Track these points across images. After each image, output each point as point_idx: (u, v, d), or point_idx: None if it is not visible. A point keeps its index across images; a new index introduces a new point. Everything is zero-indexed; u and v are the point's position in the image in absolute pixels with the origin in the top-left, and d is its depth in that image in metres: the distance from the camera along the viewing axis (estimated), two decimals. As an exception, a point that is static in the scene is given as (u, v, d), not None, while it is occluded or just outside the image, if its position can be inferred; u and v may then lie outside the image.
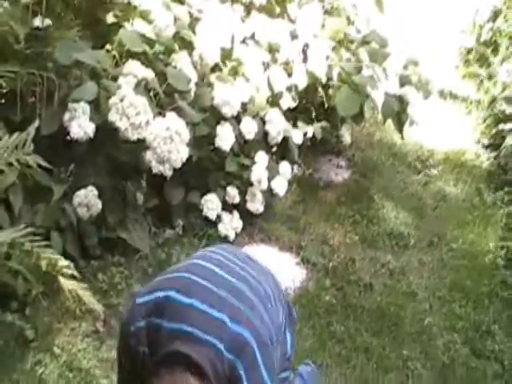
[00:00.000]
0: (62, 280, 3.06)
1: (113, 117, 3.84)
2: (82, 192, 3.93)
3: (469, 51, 8.14)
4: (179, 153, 3.98)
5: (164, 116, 4.01)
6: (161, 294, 2.21)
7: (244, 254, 2.67)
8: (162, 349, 2.12)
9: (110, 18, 4.40)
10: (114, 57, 4.23)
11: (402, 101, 5.25)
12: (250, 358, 2.17)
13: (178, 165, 4.01)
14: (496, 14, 8.07)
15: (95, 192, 3.96)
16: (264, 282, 2.47)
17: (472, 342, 4.16)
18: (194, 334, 2.10)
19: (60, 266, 3.07)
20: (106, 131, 3.97)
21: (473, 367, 3.97)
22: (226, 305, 2.19)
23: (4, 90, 3.95)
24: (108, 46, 4.34)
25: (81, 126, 3.85)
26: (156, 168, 3.99)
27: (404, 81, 5.43)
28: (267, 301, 2.40)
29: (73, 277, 3.08)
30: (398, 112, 5.23)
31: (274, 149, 4.96)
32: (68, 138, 3.90)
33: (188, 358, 2.07)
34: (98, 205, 3.95)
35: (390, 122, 5.45)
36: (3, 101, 3.84)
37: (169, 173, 4.02)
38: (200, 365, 2.07)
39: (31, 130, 3.40)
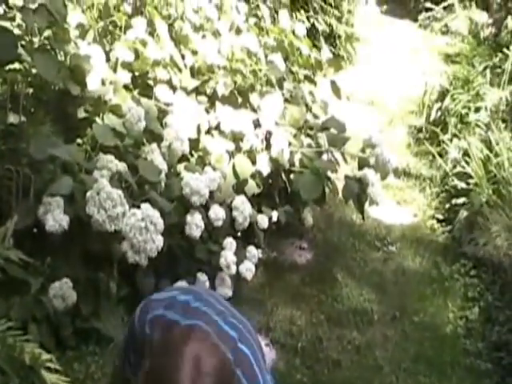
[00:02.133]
0: (45, 374, 3.02)
1: (90, 210, 3.84)
2: (56, 284, 3.89)
3: (419, 130, 8.29)
4: (154, 242, 3.97)
5: (138, 207, 4.00)
6: (179, 295, 2.21)
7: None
8: (177, 342, 2.02)
9: (80, 113, 4.42)
10: (86, 150, 4.24)
11: (361, 182, 5.30)
12: (254, 379, 2.15)
13: (154, 254, 3.99)
14: (443, 94, 8.25)
15: (70, 284, 3.92)
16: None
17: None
18: (211, 335, 2.06)
19: (42, 360, 3.03)
20: (80, 223, 3.96)
21: None
22: (236, 326, 2.19)
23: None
24: (79, 140, 4.35)
25: (55, 219, 3.83)
26: (132, 258, 3.97)
27: (362, 163, 5.48)
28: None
29: (55, 370, 3.04)
30: (358, 193, 5.27)
31: (240, 234, 4.95)
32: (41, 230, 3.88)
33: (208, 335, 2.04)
34: (72, 296, 3.91)
35: (350, 203, 5.50)
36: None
37: (144, 262, 4.00)
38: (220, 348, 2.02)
39: (10, 224, 3.38)
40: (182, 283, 4.44)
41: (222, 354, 2.05)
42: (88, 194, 3.90)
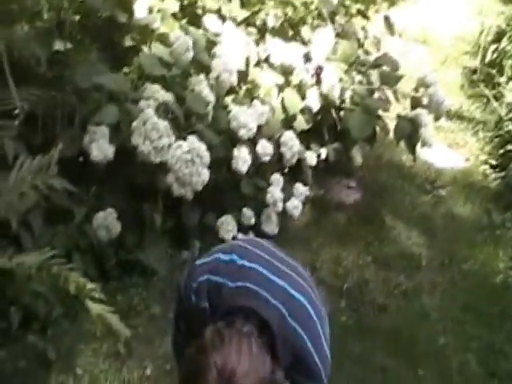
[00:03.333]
0: (89, 304, 3.08)
1: (136, 140, 3.87)
2: (101, 214, 3.96)
3: (474, 71, 8.16)
4: (200, 176, 4.00)
5: (184, 139, 4.02)
6: (223, 256, 2.21)
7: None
8: (225, 306, 2.09)
9: (127, 42, 4.42)
10: (132, 80, 4.25)
11: (413, 123, 5.26)
12: (314, 330, 2.16)
13: (199, 187, 4.03)
14: (500, 35, 8.10)
15: (114, 214, 3.98)
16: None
17: (486, 363, 4.19)
18: (260, 293, 2.08)
19: (87, 290, 3.08)
20: (125, 154, 4.00)
21: (487, 388, 3.95)
22: (286, 274, 2.20)
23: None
24: (125, 69, 4.37)
25: (100, 148, 3.88)
26: (177, 191, 4.01)
27: (415, 103, 5.45)
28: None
29: (99, 300, 3.09)
30: (410, 134, 5.25)
31: (288, 170, 4.97)
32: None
33: (255, 314, 2.02)
34: (117, 227, 3.98)
35: (401, 143, 5.47)
36: (24, 124, 3.84)
37: (189, 196, 4.04)
38: (269, 324, 2.02)
39: (55, 152, 3.42)
40: (226, 218, 4.48)
41: (274, 310, 2.07)
42: (134, 124, 3.93)
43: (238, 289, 2.12)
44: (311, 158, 5.03)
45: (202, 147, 4.03)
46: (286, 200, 4.73)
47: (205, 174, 4.04)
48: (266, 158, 4.61)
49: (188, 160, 3.96)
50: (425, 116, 5.34)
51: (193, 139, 4.04)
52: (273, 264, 2.22)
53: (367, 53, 5.80)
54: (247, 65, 4.80)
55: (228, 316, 2.01)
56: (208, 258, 2.28)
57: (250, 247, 2.30)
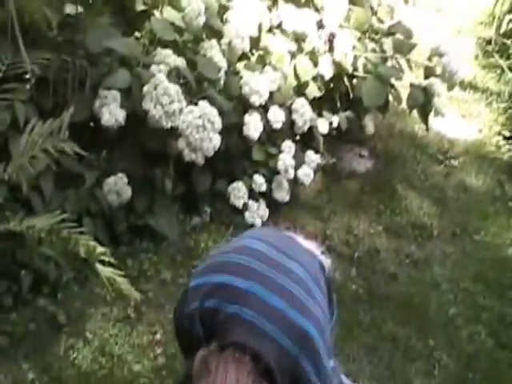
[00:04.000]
0: (99, 267, 3.11)
1: (147, 105, 3.89)
2: (112, 179, 3.99)
3: (488, 42, 8.14)
4: (211, 141, 4.02)
5: (196, 104, 4.04)
6: (217, 277, 2.19)
7: (286, 236, 2.69)
8: (219, 334, 2.12)
9: (139, 6, 4.43)
10: (144, 44, 4.26)
11: (426, 92, 5.27)
12: (313, 351, 2.16)
13: (211, 153, 4.05)
14: (515, 6, 8.07)
15: (125, 179, 4.01)
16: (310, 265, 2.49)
17: (496, 334, 4.21)
18: (256, 323, 2.06)
19: (97, 253, 3.12)
20: (136, 119, 4.02)
21: (498, 359, 4.02)
22: (285, 292, 2.19)
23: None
24: (137, 34, 4.38)
25: (112, 113, 3.90)
26: (188, 156, 4.04)
27: (429, 72, 5.44)
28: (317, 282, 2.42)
29: (109, 264, 3.13)
30: (423, 103, 5.25)
31: (299, 138, 4.98)
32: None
33: (251, 349, 2.05)
34: (127, 192, 4.01)
35: (414, 113, 5.48)
36: (35, 88, 3.87)
37: (201, 161, 4.07)
38: (266, 361, 1.95)
39: (66, 116, 3.45)
40: (237, 184, 4.50)
41: (271, 343, 2.05)
42: (145, 88, 3.95)
43: (233, 316, 2.09)
44: (323, 125, 5.04)
45: (213, 112, 4.05)
46: (297, 167, 4.75)
47: (216, 140, 4.06)
48: (278, 125, 4.63)
49: (199, 125, 3.98)
50: (438, 85, 5.34)
51: (204, 104, 4.06)
52: (272, 280, 2.20)
53: (380, 21, 5.78)
54: (259, 31, 4.80)
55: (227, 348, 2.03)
56: (202, 278, 2.25)
57: (246, 260, 2.26)
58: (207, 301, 2.12)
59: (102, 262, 3.13)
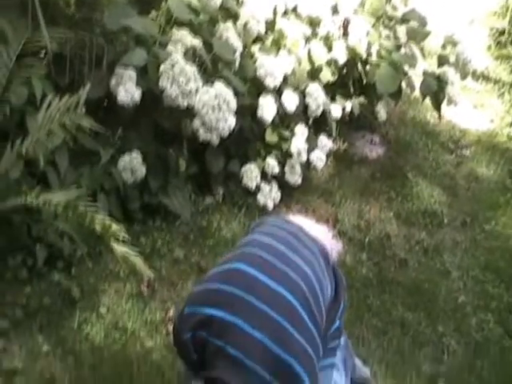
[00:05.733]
0: (114, 244, 3.21)
1: (163, 83, 3.99)
2: (126, 157, 4.09)
3: (501, 33, 8.22)
4: (226, 121, 4.13)
5: (212, 84, 4.14)
6: (206, 310, 2.38)
7: (293, 228, 2.82)
8: (208, 364, 2.26)
9: (156, -15, 4.52)
10: (160, 24, 4.35)
11: (440, 80, 5.37)
12: (295, 379, 2.33)
13: (226, 133, 4.16)
14: (529, -4, 8.16)
15: (139, 157, 4.11)
16: (314, 259, 2.63)
17: (505, 323, 4.29)
18: (239, 359, 2.21)
19: (112, 230, 3.22)
20: (152, 98, 4.12)
21: (506, 347, 4.10)
22: (268, 322, 2.35)
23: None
24: (153, 13, 4.47)
25: (127, 91, 3.99)
26: (203, 136, 4.15)
27: (442, 60, 5.55)
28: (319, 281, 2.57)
29: (123, 241, 3.23)
30: (436, 91, 5.35)
31: (312, 122, 5.08)
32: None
33: None
34: (142, 170, 4.11)
35: (427, 101, 5.58)
36: (52, 64, 3.96)
37: (215, 141, 4.18)
38: None
39: (83, 92, 3.55)
40: (250, 166, 4.61)
41: (254, 377, 2.19)
42: (161, 67, 4.05)
43: (218, 349, 2.25)
44: (336, 110, 5.14)
45: (229, 93, 4.16)
46: (309, 151, 4.86)
47: (231, 120, 4.17)
48: (291, 109, 4.73)
49: (215, 105, 4.09)
50: (451, 73, 5.45)
51: (220, 85, 4.17)
52: (258, 312, 2.37)
53: (395, 8, 5.88)
54: (275, 14, 4.91)
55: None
56: (194, 308, 2.43)
57: (234, 292, 2.42)
58: (198, 332, 2.30)
59: (117, 239, 3.23)
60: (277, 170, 4.72)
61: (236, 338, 2.25)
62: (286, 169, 4.80)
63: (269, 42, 4.90)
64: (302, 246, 2.58)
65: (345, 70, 5.34)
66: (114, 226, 3.21)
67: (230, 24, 4.54)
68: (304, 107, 4.88)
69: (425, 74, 5.41)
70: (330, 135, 5.12)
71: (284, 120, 4.83)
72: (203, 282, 2.47)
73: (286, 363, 2.24)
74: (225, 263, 2.48)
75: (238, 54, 4.51)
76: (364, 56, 5.28)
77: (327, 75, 5.09)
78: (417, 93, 5.68)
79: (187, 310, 2.44)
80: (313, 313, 2.41)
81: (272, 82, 4.55)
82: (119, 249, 3.21)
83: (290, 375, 2.27)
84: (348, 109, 5.31)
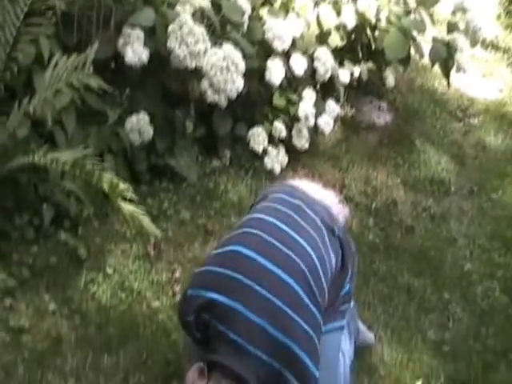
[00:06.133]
0: (121, 203, 3.23)
1: (171, 44, 3.99)
2: (134, 117, 4.09)
3: (511, 2, 8.19)
4: (235, 83, 4.14)
5: (220, 46, 4.15)
6: (208, 294, 2.48)
7: (297, 199, 2.87)
8: (210, 346, 2.47)
9: None
10: (168, -16, 4.35)
11: (449, 47, 5.37)
12: (294, 361, 2.43)
13: (234, 95, 4.17)
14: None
15: (147, 118, 4.12)
16: (316, 235, 2.69)
17: (511, 291, 4.30)
18: (240, 345, 2.38)
19: (120, 189, 3.23)
20: (159, 59, 4.12)
21: (511, 315, 4.13)
22: (267, 307, 2.44)
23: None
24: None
25: (135, 51, 3.99)
26: (211, 97, 4.16)
27: (452, 27, 5.54)
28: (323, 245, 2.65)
29: (130, 201, 3.25)
30: (445, 58, 5.35)
31: (320, 87, 5.08)
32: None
33: (233, 372, 2.35)
34: (149, 131, 4.12)
35: (435, 68, 5.58)
36: (60, 24, 3.96)
37: (223, 103, 4.19)
38: (246, 380, 2.36)
39: (90, 52, 3.55)
40: (258, 129, 4.62)
41: (253, 359, 2.40)
42: (170, 27, 4.05)
43: (220, 333, 2.43)
44: (344, 75, 5.14)
45: (237, 55, 4.17)
46: (317, 116, 4.87)
47: (239, 82, 4.18)
48: (300, 72, 4.74)
49: (223, 67, 4.10)
50: (461, 40, 5.44)
51: (229, 47, 4.17)
52: (258, 297, 2.45)
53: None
54: (283, -24, 4.90)
55: (212, 367, 2.39)
56: (198, 291, 2.54)
57: (236, 276, 2.50)
58: (201, 314, 2.48)
59: (124, 198, 3.25)
60: (284, 133, 4.73)
61: (237, 323, 2.39)
62: (294, 133, 4.81)
63: (277, 4, 4.90)
64: (305, 222, 2.65)
65: (353, 35, 5.33)
66: (122, 185, 3.23)
67: (237, -15, 4.53)
68: (312, 71, 4.89)
69: (434, 40, 5.40)
70: (337, 100, 5.13)
71: (292, 84, 4.84)
72: (206, 263, 2.57)
73: (285, 346, 2.37)
74: (227, 245, 2.57)
75: (246, 17, 4.50)
76: (373, 21, 5.27)
77: (336, 40, 5.09)
78: (425, 60, 5.68)
79: (190, 291, 2.56)
80: (313, 292, 2.49)
81: (280, 45, 4.56)
82: (126, 207, 3.23)
83: (291, 357, 2.39)
84: (356, 74, 5.31)
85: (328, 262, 2.66)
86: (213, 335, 2.47)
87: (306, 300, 2.47)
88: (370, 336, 3.64)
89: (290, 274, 2.47)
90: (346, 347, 2.99)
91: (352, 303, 3.14)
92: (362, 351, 3.46)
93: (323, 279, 2.58)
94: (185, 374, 2.45)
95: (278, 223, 2.63)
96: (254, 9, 4.68)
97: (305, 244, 2.59)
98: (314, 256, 2.58)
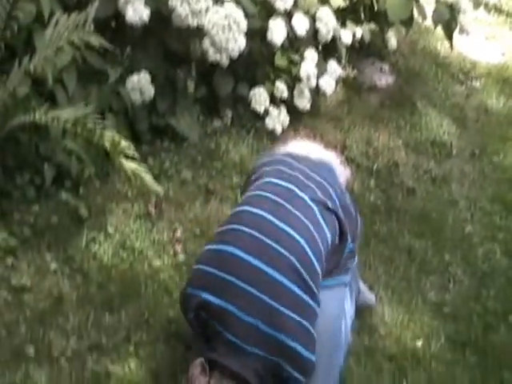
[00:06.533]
0: (123, 161, 3.25)
1: (173, 2, 3.98)
2: (135, 77, 4.10)
3: (514, -37, 8.14)
4: (236, 42, 4.13)
5: (222, 4, 4.15)
6: (204, 295, 2.60)
7: (298, 166, 2.91)
8: (210, 344, 2.60)
9: None
10: None
11: (452, 8, 5.35)
12: (290, 353, 2.52)
13: (235, 54, 4.17)
14: None
15: (148, 77, 4.12)
16: (308, 220, 2.75)
17: (512, 254, 4.33)
18: (238, 345, 2.51)
19: (122, 147, 3.25)
20: (161, 18, 4.11)
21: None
22: (259, 306, 2.55)
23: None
24: None
25: (136, 10, 3.97)
26: (213, 56, 4.16)
27: (454, -11, 5.53)
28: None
29: (131, 159, 3.27)
30: (448, 19, 5.34)
31: (322, 48, 5.08)
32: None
33: (233, 373, 2.48)
34: (150, 90, 4.12)
35: (438, 30, 5.57)
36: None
37: (225, 62, 4.18)
38: (247, 379, 2.48)
39: (91, 10, 3.55)
40: (259, 89, 4.62)
41: (250, 357, 2.52)
42: (171, -15, 4.04)
43: (219, 333, 2.56)
44: (346, 36, 5.12)
45: (239, 13, 4.16)
46: (319, 77, 4.85)
47: (241, 41, 4.18)
48: (302, 32, 4.72)
49: (225, 25, 4.09)
50: (464, 2, 5.43)
51: (231, 5, 4.17)
52: (249, 297, 2.54)
53: None
54: None
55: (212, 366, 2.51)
56: (196, 291, 2.64)
57: (227, 278, 2.59)
58: (199, 313, 2.60)
59: (126, 156, 3.27)
60: (285, 94, 4.73)
61: (232, 325, 2.51)
62: (295, 93, 4.81)
63: (280, -36, 4.86)
64: (294, 208, 2.72)
65: (356, -4, 5.31)
66: (123, 143, 3.24)
67: None
68: (314, 32, 4.86)
69: (437, 1, 5.39)
70: (339, 61, 5.12)
71: (294, 44, 4.82)
72: (202, 261, 2.67)
73: (278, 340, 2.48)
74: (220, 242, 2.66)
75: (248, -25, 4.49)
76: (376, -19, 5.26)
77: (338, 0, 5.07)
78: (428, 21, 5.67)
79: (189, 290, 2.69)
80: (305, 281, 2.59)
81: (282, 4, 4.55)
82: (128, 165, 3.24)
83: (286, 350, 2.52)
84: (358, 35, 5.29)
85: (321, 243, 2.73)
86: (212, 334, 2.60)
87: (298, 292, 2.56)
88: (370, 297, 3.67)
89: (281, 271, 2.58)
90: (348, 306, 3.03)
91: (356, 259, 3.19)
92: (362, 311, 3.50)
93: (316, 264, 2.67)
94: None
95: (266, 215, 2.70)
96: (255, -32, 4.65)
97: (294, 234, 2.67)
98: (304, 244, 2.67)
